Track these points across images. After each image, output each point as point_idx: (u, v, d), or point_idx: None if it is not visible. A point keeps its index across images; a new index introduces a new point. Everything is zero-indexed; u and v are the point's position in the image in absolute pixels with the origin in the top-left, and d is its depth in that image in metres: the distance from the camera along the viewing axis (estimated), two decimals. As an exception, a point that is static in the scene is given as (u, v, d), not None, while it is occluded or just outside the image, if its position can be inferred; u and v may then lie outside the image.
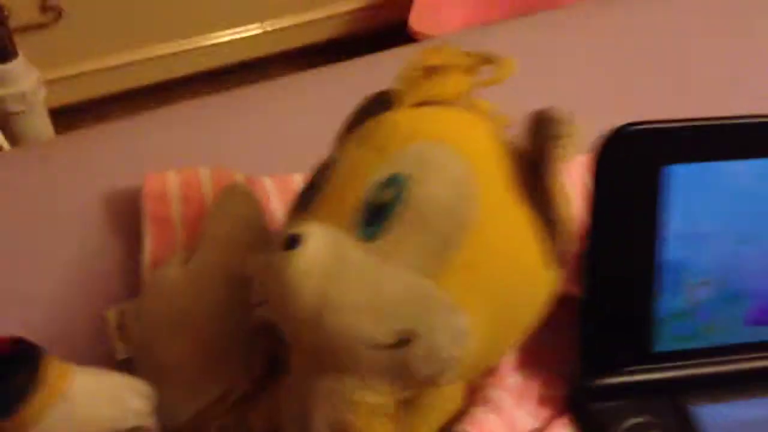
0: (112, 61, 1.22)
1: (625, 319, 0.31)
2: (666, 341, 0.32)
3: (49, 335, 0.33)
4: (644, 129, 0.29)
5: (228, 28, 1.29)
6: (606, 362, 0.32)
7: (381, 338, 0.24)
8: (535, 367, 0.34)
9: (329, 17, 1.33)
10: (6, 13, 0.74)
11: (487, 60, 0.29)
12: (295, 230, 0.25)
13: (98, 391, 0.28)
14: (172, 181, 0.37)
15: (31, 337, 0.34)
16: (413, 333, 0.24)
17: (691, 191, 0.30)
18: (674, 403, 0.32)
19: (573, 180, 0.41)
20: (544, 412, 0.33)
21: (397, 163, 0.26)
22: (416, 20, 1.08)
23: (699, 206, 0.31)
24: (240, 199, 0.33)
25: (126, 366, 0.34)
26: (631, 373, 0.32)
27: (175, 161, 0.39)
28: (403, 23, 1.09)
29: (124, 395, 0.28)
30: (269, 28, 1.30)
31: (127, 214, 0.37)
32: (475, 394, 0.31)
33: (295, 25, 1.32)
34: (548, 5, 1.18)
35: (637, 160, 0.29)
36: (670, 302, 0.32)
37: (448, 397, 0.30)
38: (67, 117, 0.79)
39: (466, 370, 0.26)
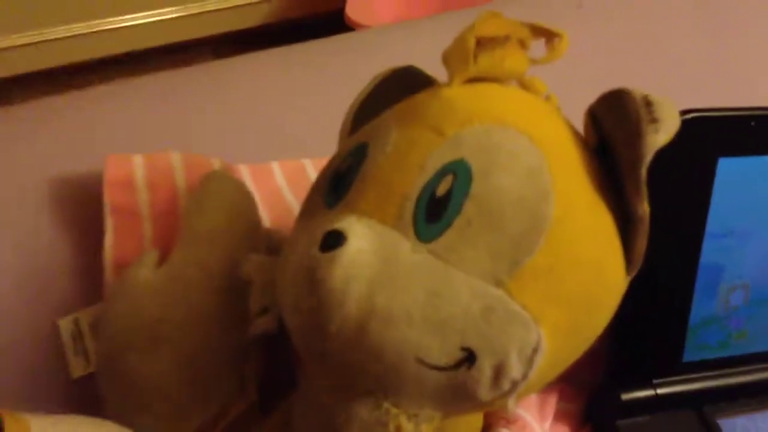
0: (14, 41, 1.13)
1: (660, 326, 0.29)
2: (696, 350, 0.30)
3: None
4: (701, 117, 0.26)
5: (145, 10, 1.21)
6: (634, 374, 0.29)
7: (439, 356, 0.20)
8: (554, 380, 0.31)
9: (255, 3, 1.27)
10: None
11: (543, 32, 0.25)
12: (333, 226, 0.20)
13: None
14: (138, 165, 0.32)
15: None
16: (479, 351, 0.20)
17: (736, 187, 0.28)
18: (701, 417, 0.30)
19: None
20: (562, 429, 0.30)
21: (457, 147, 0.21)
22: (352, 9, 1.05)
23: (741, 204, 0.28)
24: (227, 187, 0.28)
25: (85, 383, 0.29)
26: (659, 385, 0.29)
27: (127, 141, 0.34)
28: (339, 12, 1.05)
29: None
30: (190, 11, 1.23)
31: (80, 205, 0.32)
32: (497, 412, 0.28)
33: (220, 9, 1.26)
34: (484, 1, 1.17)
35: (690, 151, 0.26)
36: (704, 308, 0.29)
37: (474, 416, 0.26)
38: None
39: (525, 391, 0.22)
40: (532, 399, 0.30)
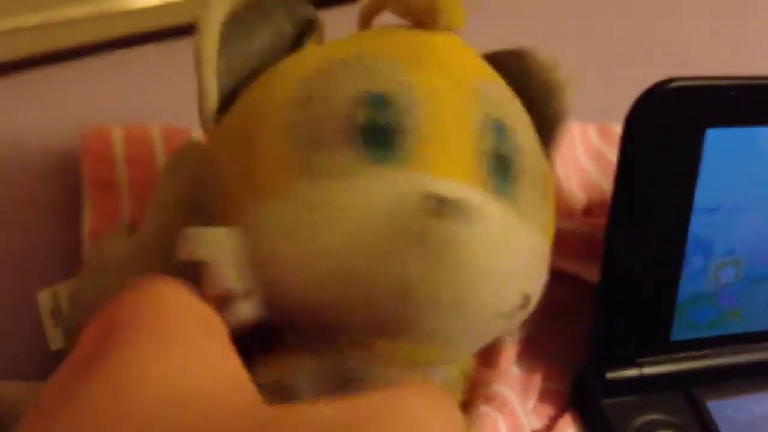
0: (21, 22, 1.13)
1: (646, 303, 0.28)
2: (685, 329, 0.29)
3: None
4: (687, 86, 0.25)
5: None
6: (619, 353, 0.28)
7: (510, 305, 0.22)
8: (536, 358, 0.30)
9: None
10: None
11: None
12: (452, 193, 0.20)
13: None
14: (117, 137, 0.31)
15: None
16: (532, 295, 0.23)
17: (724, 160, 0.27)
18: (689, 398, 0.29)
19: (565, 155, 0.37)
20: (546, 409, 0.30)
21: (486, 103, 0.22)
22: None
23: (730, 178, 0.27)
24: (197, 156, 0.27)
25: (64, 356, 0.28)
26: (646, 364, 0.29)
27: (99, 115, 0.34)
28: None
29: None
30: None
31: (59, 177, 0.31)
32: (476, 389, 0.27)
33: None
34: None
35: (674, 122, 0.25)
36: (693, 284, 0.28)
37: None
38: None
39: None
40: (516, 378, 0.29)
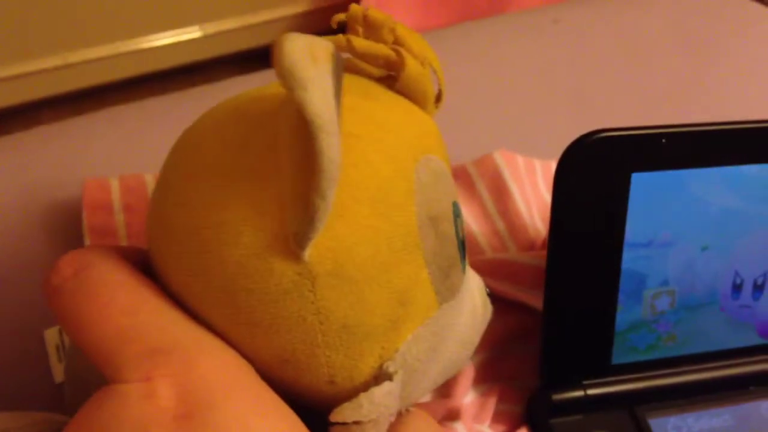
0: (41, 64, 1.18)
1: (586, 330, 0.31)
2: (625, 353, 0.32)
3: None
4: (610, 136, 0.28)
5: (167, 30, 1.26)
6: (565, 375, 0.31)
7: None
8: (493, 382, 0.33)
9: (273, 21, 1.31)
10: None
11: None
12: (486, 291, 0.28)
13: None
14: (114, 188, 0.35)
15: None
16: None
17: (653, 199, 0.30)
18: (633, 416, 0.32)
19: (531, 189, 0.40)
20: (500, 428, 0.32)
21: (441, 192, 0.22)
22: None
23: (661, 214, 0.30)
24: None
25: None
26: (590, 386, 0.31)
27: (117, 167, 0.37)
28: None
29: None
30: (210, 31, 1.28)
31: (68, 226, 0.35)
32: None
33: (237, 29, 1.30)
34: (496, 10, 1.19)
35: (601, 168, 0.28)
36: (630, 313, 0.31)
37: None
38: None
39: None
40: (472, 401, 0.32)
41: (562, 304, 0.30)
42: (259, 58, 1.30)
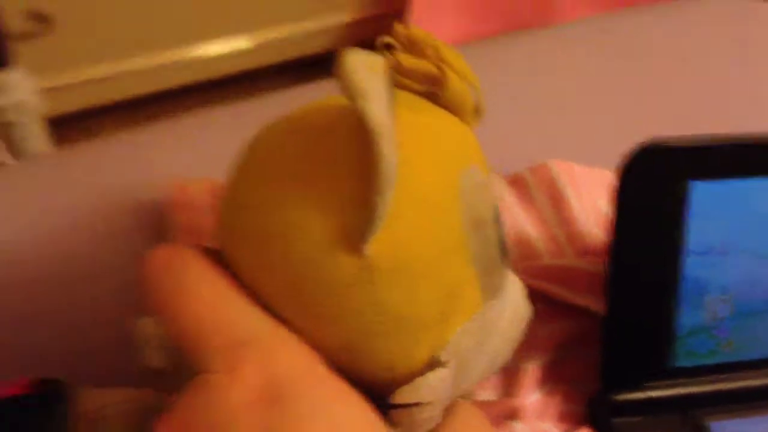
0: (100, 72, 1.22)
1: (646, 335, 0.32)
2: (685, 357, 0.33)
3: (75, 347, 0.33)
4: (669, 145, 0.29)
5: (219, 39, 1.29)
6: (626, 377, 0.32)
7: None
8: (556, 383, 0.34)
9: (321, 30, 1.34)
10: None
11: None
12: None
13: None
14: (199, 190, 0.37)
15: (59, 348, 0.34)
16: None
17: (712, 208, 0.31)
18: (691, 419, 0.33)
19: (585, 195, 0.41)
20: (564, 427, 0.33)
21: (483, 199, 0.24)
22: (411, 33, 1.09)
23: (720, 223, 0.31)
24: None
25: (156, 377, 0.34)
26: (650, 388, 0.32)
27: (190, 172, 0.39)
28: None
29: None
30: (260, 41, 1.31)
31: (155, 223, 0.37)
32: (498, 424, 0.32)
33: (286, 38, 1.33)
34: (542, 20, 1.19)
35: (661, 177, 0.30)
36: (689, 318, 0.32)
37: None
38: (54, 127, 0.78)
39: None
40: (537, 400, 0.34)
41: (623, 309, 0.31)
42: (305, 66, 1.32)
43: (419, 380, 0.22)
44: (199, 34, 1.27)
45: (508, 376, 0.35)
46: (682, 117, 0.49)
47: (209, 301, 0.23)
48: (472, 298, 0.23)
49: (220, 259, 0.24)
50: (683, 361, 0.33)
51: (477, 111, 0.25)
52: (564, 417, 0.33)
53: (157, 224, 0.37)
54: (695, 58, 0.53)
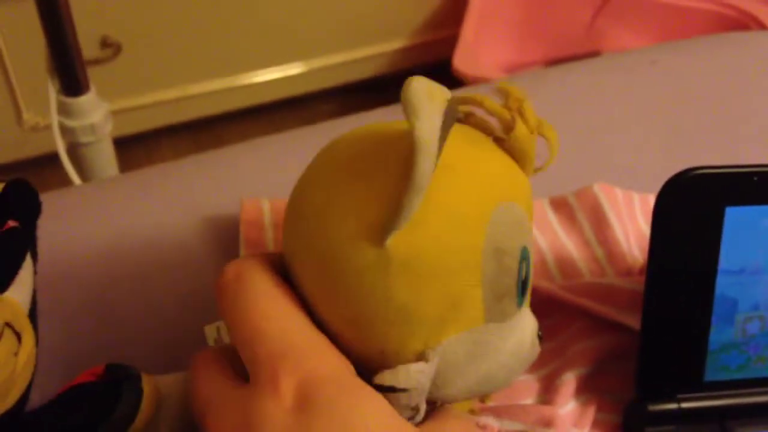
0: (162, 96, 1.28)
1: (680, 349, 0.34)
2: (717, 371, 0.34)
3: (150, 349, 0.37)
4: (706, 173, 0.31)
5: (273, 66, 1.34)
6: (660, 389, 0.34)
7: None
8: (592, 394, 0.36)
9: (372, 56, 1.38)
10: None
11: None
12: (538, 332, 0.29)
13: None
14: (265, 208, 0.41)
15: (133, 350, 0.38)
16: None
17: (745, 231, 0.33)
18: (723, 430, 0.34)
19: (629, 217, 0.44)
20: (599, 435, 0.36)
21: (513, 234, 0.27)
22: (460, 61, 1.12)
23: (753, 245, 0.33)
24: None
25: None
26: (684, 400, 0.34)
27: (260, 191, 0.43)
28: (447, 63, 1.13)
29: None
30: (313, 67, 1.35)
31: (224, 239, 0.41)
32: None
33: (338, 64, 1.37)
34: (588, 48, 1.22)
35: (697, 202, 0.32)
36: (722, 335, 0.34)
37: None
38: (116, 149, 0.83)
39: None
40: (573, 409, 0.36)
41: (659, 325, 0.33)
42: (357, 91, 1.36)
43: (401, 367, 0.25)
44: (257, 62, 1.32)
45: (547, 384, 0.37)
46: (728, 145, 0.51)
47: (264, 312, 0.26)
48: (473, 313, 0.26)
49: (282, 263, 0.28)
50: (715, 375, 0.34)
51: (537, 166, 0.29)
52: (598, 425, 0.36)
53: (223, 239, 0.41)
54: (740, 89, 0.55)
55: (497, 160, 0.28)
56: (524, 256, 0.27)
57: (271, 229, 0.40)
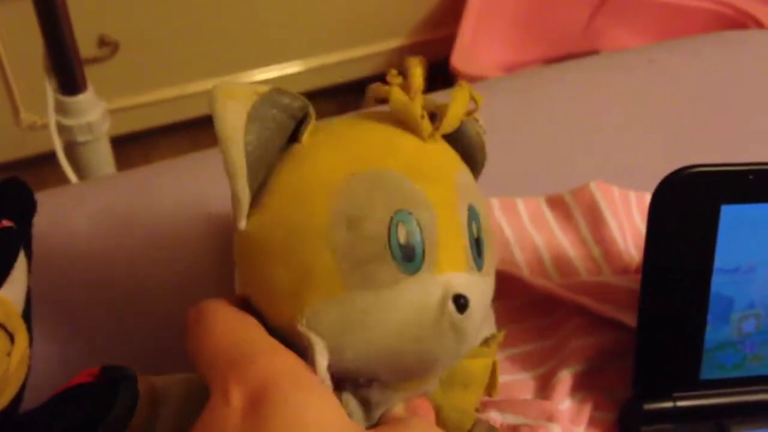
0: (160, 95, 1.28)
1: (676, 347, 0.34)
2: (713, 369, 0.34)
3: (148, 348, 0.37)
4: (701, 171, 0.31)
5: (272, 64, 1.34)
6: (656, 387, 0.34)
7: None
8: (589, 391, 0.36)
9: (370, 55, 1.38)
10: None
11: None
12: (456, 291, 0.26)
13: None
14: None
15: (130, 349, 0.38)
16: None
17: (740, 229, 0.33)
18: (719, 428, 0.34)
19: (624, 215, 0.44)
20: (595, 432, 0.36)
21: (465, 193, 0.28)
22: (458, 60, 1.12)
23: (748, 244, 0.33)
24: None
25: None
26: (680, 398, 0.34)
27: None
28: (445, 62, 1.13)
29: None
30: (311, 66, 1.35)
31: (223, 237, 0.41)
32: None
33: (337, 63, 1.37)
34: (586, 48, 1.21)
35: (693, 200, 0.32)
36: (718, 333, 0.34)
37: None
38: (114, 148, 0.83)
39: None
40: (569, 407, 0.36)
41: (654, 323, 0.33)
42: (355, 90, 1.36)
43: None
44: (256, 60, 1.32)
45: (543, 382, 0.37)
46: (725, 144, 0.51)
47: (219, 335, 0.27)
48: (328, 283, 0.26)
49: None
50: (711, 374, 0.34)
51: (424, 126, 0.28)
52: (594, 423, 0.36)
53: (221, 237, 0.41)
54: (737, 88, 0.55)
55: (373, 131, 0.29)
56: (402, 219, 0.26)
57: None
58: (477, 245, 0.28)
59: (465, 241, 0.28)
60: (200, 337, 0.27)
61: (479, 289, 0.28)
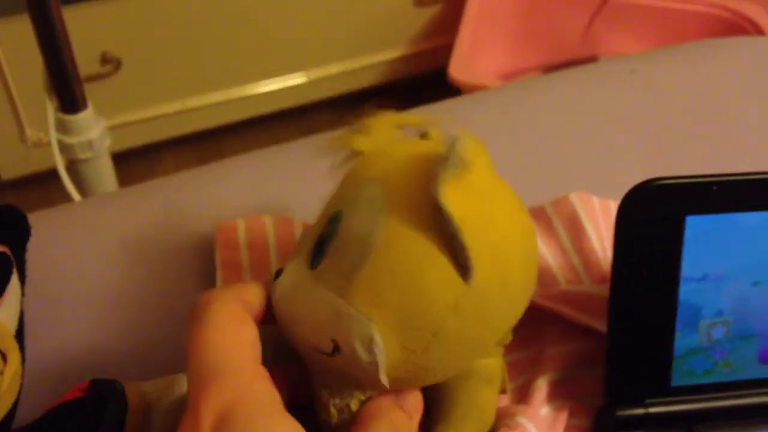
0: (164, 109, 1.29)
1: (646, 355, 0.35)
2: (684, 376, 0.35)
3: (128, 365, 0.38)
4: (666, 183, 0.32)
5: (274, 77, 1.35)
6: (628, 394, 0.35)
7: (321, 346, 0.29)
8: (566, 399, 0.37)
9: (371, 66, 1.39)
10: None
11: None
12: (282, 266, 0.31)
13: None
14: (240, 228, 0.42)
15: (117, 365, 0.39)
16: (339, 341, 0.29)
17: (706, 238, 0.34)
18: (692, 434, 0.35)
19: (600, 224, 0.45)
20: (571, 440, 0.37)
21: (342, 202, 0.31)
22: (456, 69, 1.13)
23: (715, 253, 0.34)
24: None
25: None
26: (651, 405, 0.35)
27: (247, 207, 0.44)
28: (444, 71, 1.14)
29: None
30: (313, 77, 1.37)
31: (201, 258, 0.42)
32: (502, 419, 0.35)
33: (338, 74, 1.38)
34: (584, 54, 1.22)
35: (659, 211, 0.33)
36: (687, 340, 0.35)
37: (484, 408, 0.33)
38: (119, 162, 0.85)
39: (431, 376, 0.30)
40: (545, 415, 0.37)
41: (624, 331, 0.34)
42: (357, 100, 1.38)
43: None
44: (258, 73, 1.34)
45: (521, 391, 0.38)
46: (705, 155, 0.51)
47: (208, 345, 0.28)
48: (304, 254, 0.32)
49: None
50: (682, 380, 0.35)
51: None
52: (570, 430, 0.37)
53: (206, 258, 0.42)
54: (719, 97, 0.56)
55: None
56: (332, 219, 0.30)
57: (245, 249, 0.41)
58: (318, 245, 0.30)
59: (314, 237, 0.31)
60: (192, 339, 0.28)
61: (295, 277, 0.30)
